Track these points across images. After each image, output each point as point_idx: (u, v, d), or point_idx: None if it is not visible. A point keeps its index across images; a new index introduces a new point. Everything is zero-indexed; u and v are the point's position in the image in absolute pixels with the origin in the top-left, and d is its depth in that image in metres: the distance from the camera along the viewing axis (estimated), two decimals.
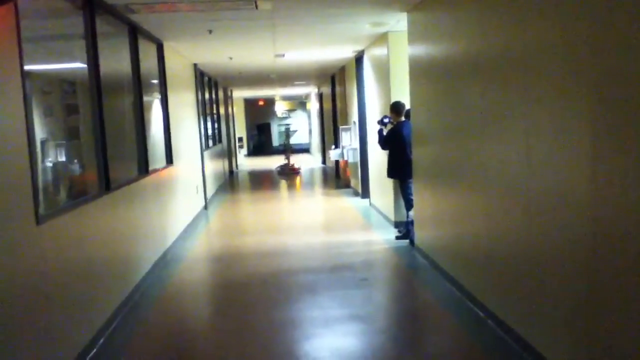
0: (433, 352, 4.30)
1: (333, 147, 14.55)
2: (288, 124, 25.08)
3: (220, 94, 16.36)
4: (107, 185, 5.04)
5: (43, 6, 4.41)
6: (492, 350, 4.11)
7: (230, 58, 10.40)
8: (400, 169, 7.33)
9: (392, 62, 7.94)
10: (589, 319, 3.10)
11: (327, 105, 17.02)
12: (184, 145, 9.15)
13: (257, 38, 8.25)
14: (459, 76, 5.03)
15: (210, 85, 13.68)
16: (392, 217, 8.33)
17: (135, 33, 6.44)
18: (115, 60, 5.99)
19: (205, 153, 11.61)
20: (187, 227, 8.72)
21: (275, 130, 31.62)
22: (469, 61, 4.75)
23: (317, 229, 9.38)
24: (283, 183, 16.10)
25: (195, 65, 10.85)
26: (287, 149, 20.06)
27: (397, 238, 7.52)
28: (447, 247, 5.71)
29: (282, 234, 8.78)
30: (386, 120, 7.57)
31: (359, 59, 10.54)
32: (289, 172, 18.23)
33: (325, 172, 18.12)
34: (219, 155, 15.13)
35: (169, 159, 7.99)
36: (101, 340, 4.45)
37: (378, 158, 8.88)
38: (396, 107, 7.45)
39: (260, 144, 30.94)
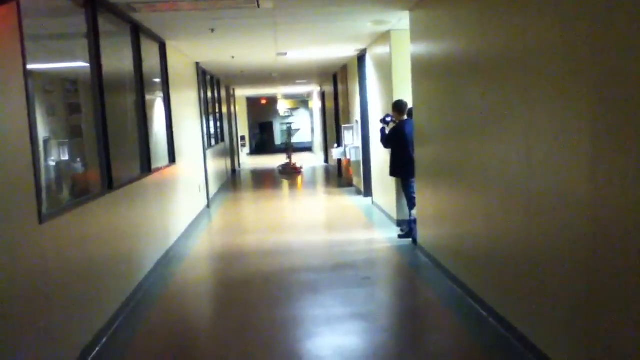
0: (435, 350, 4.30)
1: (335, 145, 14.55)
2: (290, 123, 25.01)
3: (223, 92, 16.37)
4: (109, 184, 5.06)
5: (45, 5, 4.42)
6: (494, 348, 4.12)
7: (233, 57, 10.41)
8: (402, 168, 7.33)
9: (394, 60, 7.94)
10: (589, 318, 3.11)
11: (330, 104, 17.02)
12: (186, 144, 9.16)
13: (259, 37, 8.26)
14: (460, 75, 5.03)
15: (212, 84, 13.69)
16: (394, 215, 8.34)
17: (137, 32, 6.45)
18: (117, 59, 6.00)
19: (208, 152, 11.62)
20: (190, 226, 8.74)
21: (278, 129, 31.61)
22: (470, 60, 4.75)
23: (319, 227, 9.38)
24: (285, 182, 16.10)
25: (197, 64, 10.86)
26: (288, 148, 19.94)
27: (400, 237, 7.52)
28: (449, 246, 5.71)
29: (284, 232, 8.79)
30: (388, 119, 7.58)
31: (361, 58, 10.53)
32: (290, 172, 18.03)
33: (327, 171, 18.12)
34: (222, 154, 15.14)
35: (172, 158, 8.00)
36: (103, 340, 4.46)
37: (380, 157, 8.89)
38: (398, 106, 7.45)
39: (262, 143, 30.94)
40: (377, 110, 9.09)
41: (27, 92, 3.49)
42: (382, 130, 7.67)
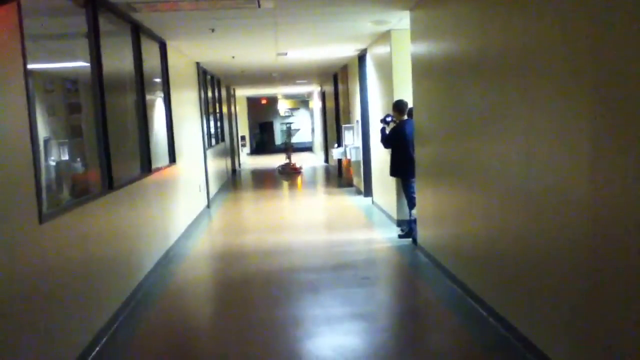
0: (435, 350, 4.31)
1: (336, 145, 14.55)
2: (289, 123, 24.91)
3: (223, 92, 16.37)
4: (110, 183, 5.06)
5: (46, 5, 4.42)
6: (494, 348, 4.12)
7: (233, 57, 10.42)
8: (402, 168, 7.33)
9: (394, 60, 7.94)
10: (589, 318, 3.11)
11: (330, 104, 17.02)
12: (186, 144, 9.16)
13: (259, 36, 8.26)
14: (460, 75, 5.03)
15: (212, 84, 13.69)
16: (394, 215, 8.34)
17: (137, 32, 6.45)
18: (118, 59, 6.01)
19: (208, 151, 11.63)
20: (190, 226, 8.74)
21: (278, 129, 31.62)
22: (470, 60, 4.75)
23: (319, 227, 9.38)
24: (285, 182, 16.09)
25: (197, 64, 10.86)
26: (288, 148, 19.78)
27: (400, 237, 7.52)
28: (449, 246, 5.72)
29: (285, 232, 8.79)
30: (389, 118, 7.58)
31: (361, 58, 10.54)
32: (290, 172, 17.83)
33: (327, 171, 18.12)
34: (222, 154, 15.14)
35: (172, 158, 8.00)
36: (103, 339, 4.46)
37: (381, 156, 8.89)
38: (399, 106, 7.45)
39: (262, 143, 30.95)
40: (378, 110, 9.10)
41: (28, 92, 3.49)
42: (383, 130, 7.68)
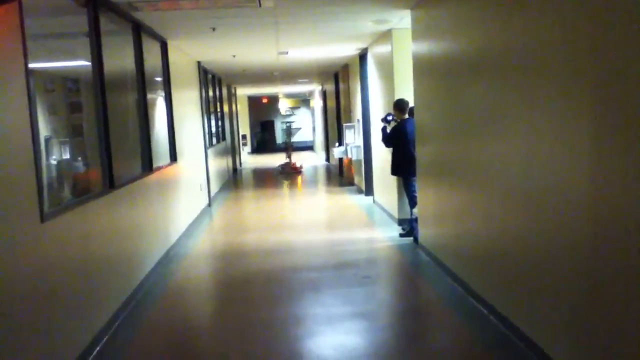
0: (436, 348, 4.31)
1: (337, 144, 14.55)
2: (290, 122, 24.79)
3: (224, 91, 16.37)
4: (111, 182, 5.06)
5: (47, 4, 4.42)
6: (495, 347, 4.12)
7: (234, 56, 10.42)
8: (404, 167, 7.33)
9: (395, 59, 7.94)
10: (590, 317, 3.11)
11: (331, 103, 17.01)
12: (187, 143, 9.17)
13: (260, 36, 8.26)
14: (461, 74, 5.03)
15: (213, 83, 13.69)
16: (395, 214, 8.34)
17: (139, 31, 6.45)
18: (119, 58, 6.01)
19: (209, 150, 11.63)
20: (191, 225, 8.75)
21: (279, 128, 31.62)
22: (471, 59, 4.75)
23: (320, 226, 9.39)
24: (286, 181, 16.08)
25: (198, 63, 10.86)
26: (288, 147, 19.55)
27: (401, 235, 7.53)
28: (450, 245, 5.72)
29: (286, 231, 8.79)
30: (390, 117, 7.58)
31: (362, 57, 10.53)
32: (290, 172, 17.54)
33: (328, 170, 18.11)
34: (223, 153, 15.15)
35: (173, 157, 8.01)
36: (104, 338, 4.47)
37: (382, 155, 8.89)
38: (400, 105, 7.45)
39: (263, 142, 30.95)
40: (379, 109, 9.09)
41: (29, 91, 3.50)
42: (384, 129, 7.67)
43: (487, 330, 4.39)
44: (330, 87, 17.15)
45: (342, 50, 10.45)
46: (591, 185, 2.99)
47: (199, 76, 10.95)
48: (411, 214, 7.41)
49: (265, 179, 17.55)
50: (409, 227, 7.48)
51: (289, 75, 15.70)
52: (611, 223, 2.86)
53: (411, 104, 7.15)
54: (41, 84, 4.34)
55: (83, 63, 4.91)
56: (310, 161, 21.71)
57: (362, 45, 9.90)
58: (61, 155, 4.59)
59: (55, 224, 3.76)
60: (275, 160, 21.31)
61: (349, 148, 12.01)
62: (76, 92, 5.31)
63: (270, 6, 6.02)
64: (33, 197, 3.47)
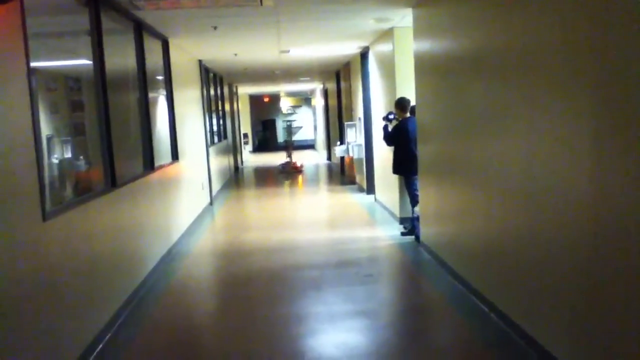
0: (437, 346, 4.31)
1: (338, 143, 14.54)
2: (290, 120, 24.66)
3: (226, 90, 16.38)
4: (112, 181, 5.07)
5: (48, 3, 4.43)
6: (496, 344, 4.12)
7: (235, 54, 10.42)
8: (405, 165, 7.33)
9: (397, 58, 7.93)
10: (590, 316, 3.11)
11: (332, 102, 17.01)
12: (189, 142, 9.17)
13: (261, 34, 8.26)
14: (462, 73, 5.03)
15: (215, 82, 13.70)
16: (397, 213, 8.34)
17: (140, 30, 6.46)
18: (120, 57, 6.01)
19: (211, 149, 11.63)
20: (193, 223, 8.76)
21: (281, 127, 31.61)
22: (472, 58, 4.75)
23: (322, 225, 9.39)
24: (287, 180, 16.08)
25: (200, 61, 10.87)
26: (288, 146, 19.34)
27: (403, 234, 7.53)
28: (451, 243, 5.72)
29: (287, 229, 8.79)
30: (391, 116, 7.58)
31: (364, 55, 10.53)
32: (290, 171, 17.30)
33: (330, 169, 18.11)
34: (224, 152, 15.15)
35: (175, 155, 8.01)
36: (107, 337, 4.48)
37: (383, 154, 8.89)
38: (401, 103, 7.45)
39: (265, 140, 30.96)
40: (380, 107, 9.09)
41: (31, 90, 3.50)
42: (385, 127, 7.67)
43: (488, 328, 4.39)
44: (331, 86, 17.15)
45: (343, 48, 10.45)
46: (591, 185, 2.99)
47: (201, 75, 10.95)
48: (412, 212, 7.41)
49: (266, 177, 17.55)
50: (410, 225, 7.48)
51: (290, 73, 15.70)
52: (611, 223, 2.86)
53: (413, 102, 7.15)
54: (43, 83, 4.35)
55: (85, 62, 4.91)
56: (312, 160, 21.71)
57: (364, 44, 9.90)
58: (63, 154, 4.60)
59: (57, 223, 3.76)
60: (277, 159, 21.29)
61: (350, 147, 12.01)
62: (78, 91, 5.31)
63: (271, 5, 6.02)
64: (35, 195, 3.48)
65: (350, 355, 4.04)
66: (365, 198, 10.97)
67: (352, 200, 11.14)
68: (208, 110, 11.74)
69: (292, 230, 8.70)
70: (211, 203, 11.08)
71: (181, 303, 5.50)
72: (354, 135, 12.09)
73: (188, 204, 8.65)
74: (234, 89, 19.80)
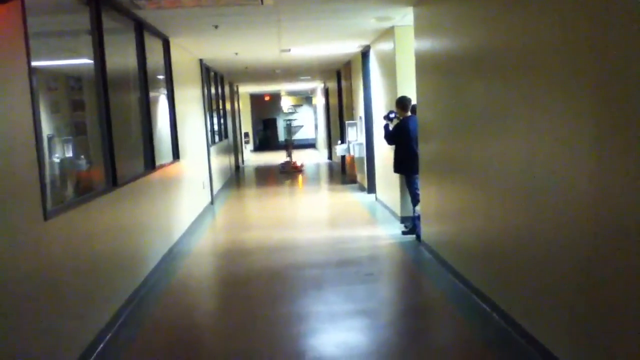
0: (438, 345, 4.31)
1: (339, 142, 14.54)
2: (290, 119, 24.56)
3: (226, 89, 16.38)
4: (114, 180, 5.07)
5: (49, 2, 4.43)
6: (497, 343, 4.12)
7: (236, 53, 10.42)
8: (406, 164, 7.33)
9: (398, 56, 7.93)
10: (589, 316, 3.11)
11: (333, 101, 17.01)
12: (190, 141, 9.17)
13: (262, 33, 8.26)
14: (463, 72, 5.03)
15: (216, 81, 13.70)
16: (398, 212, 8.34)
17: (141, 29, 6.46)
18: (121, 56, 6.02)
19: (212, 148, 11.64)
20: (194, 223, 8.76)
21: (281, 126, 31.62)
22: (473, 57, 4.75)
23: (322, 224, 9.39)
24: (288, 180, 16.07)
25: (201, 60, 10.87)
26: (288, 145, 19.13)
27: (404, 233, 7.53)
28: (452, 242, 5.72)
29: (288, 229, 8.80)
30: (392, 115, 7.58)
31: (364, 54, 10.53)
32: (290, 170, 17.05)
33: (331, 168, 18.11)
34: (225, 151, 15.16)
35: (176, 155, 8.02)
36: (108, 335, 4.48)
37: (384, 153, 8.89)
38: (402, 102, 7.44)
39: (266, 139, 30.97)
40: (381, 106, 9.09)
41: (32, 89, 3.51)
42: (386, 126, 7.67)
43: (488, 327, 4.39)
44: (332, 85, 17.14)
45: (344, 47, 10.45)
46: (591, 185, 2.99)
47: (201, 74, 10.95)
48: (413, 211, 7.41)
49: (267, 176, 17.55)
50: (411, 224, 7.48)
51: (291, 72, 15.70)
52: (611, 223, 2.86)
53: (414, 101, 7.15)
54: (44, 82, 4.35)
55: (85, 61, 4.92)
56: (313, 159, 21.71)
57: (365, 43, 9.90)
58: (64, 153, 4.60)
59: (58, 222, 3.77)
60: (278, 158, 21.28)
61: (351, 146, 12.00)
62: (79, 90, 5.32)
63: (272, 4, 6.02)
64: (36, 195, 3.48)
65: (350, 355, 4.05)
66: (366, 197, 10.97)
67: (353, 199, 11.14)
68: (209, 109, 11.75)
69: (292, 230, 8.71)
70: (212, 202, 11.09)
71: (182, 302, 5.50)
72: (355, 134, 12.08)
73: (189, 203, 8.65)
74: (235, 88, 19.80)
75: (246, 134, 24.33)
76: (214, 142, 12.35)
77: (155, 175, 6.69)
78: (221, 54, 10.50)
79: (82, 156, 5.12)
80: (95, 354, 4.17)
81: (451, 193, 5.68)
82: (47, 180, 3.81)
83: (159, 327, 4.85)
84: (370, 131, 10.48)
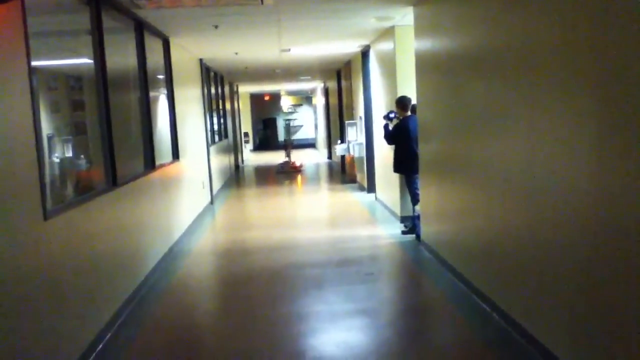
0: (438, 345, 4.31)
1: (339, 142, 14.54)
2: (289, 120, 24.45)
3: (226, 89, 16.37)
4: (114, 180, 5.07)
5: (49, 2, 4.43)
6: (497, 343, 4.12)
7: (236, 53, 10.42)
8: (406, 164, 7.33)
9: (398, 56, 7.93)
10: (589, 316, 3.11)
11: (333, 100, 17.00)
12: (190, 141, 9.17)
13: (262, 33, 8.26)
14: (463, 72, 5.03)
15: (216, 81, 13.70)
16: (398, 211, 8.34)
17: (141, 29, 6.46)
18: (121, 56, 6.02)
19: (211, 148, 11.64)
20: (194, 222, 8.76)
21: (281, 125, 31.61)
22: (473, 57, 4.75)
23: (322, 223, 9.40)
24: (287, 180, 16.06)
25: (201, 60, 10.87)
26: (287, 145, 18.95)
27: (404, 233, 7.53)
28: (452, 242, 5.72)
29: (288, 228, 8.80)
30: (392, 115, 7.58)
31: (364, 54, 10.53)
32: (289, 171, 16.81)
33: (331, 167, 18.10)
34: (225, 151, 15.15)
35: (175, 155, 8.02)
36: (108, 335, 4.48)
37: (384, 153, 8.89)
38: (402, 102, 7.44)
39: (266, 139, 30.97)
40: (381, 106, 9.09)
41: (32, 89, 3.51)
42: (386, 126, 7.67)
43: (488, 326, 4.39)
44: (332, 85, 17.14)
45: (344, 47, 10.45)
46: (591, 185, 2.99)
47: (201, 74, 10.95)
48: (413, 211, 7.41)
49: (267, 176, 17.54)
50: (411, 224, 7.48)
51: (291, 72, 15.70)
52: (611, 223, 2.86)
53: (414, 101, 7.15)
54: (44, 82, 4.35)
55: (85, 61, 4.92)
56: (313, 159, 21.71)
57: (365, 42, 9.90)
58: (64, 153, 4.60)
59: (58, 222, 3.77)
60: (278, 157, 21.26)
61: (351, 145, 12.00)
62: (79, 90, 5.32)
63: (272, 3, 6.02)
64: (36, 195, 3.48)
65: (351, 354, 4.05)
66: (366, 197, 10.98)
67: (353, 198, 11.14)
68: (209, 109, 11.75)
69: (293, 229, 8.71)
70: (212, 202, 11.09)
71: (182, 302, 5.51)
72: (355, 134, 12.08)
73: (189, 202, 8.66)
74: (235, 88, 19.80)
75: (246, 134, 24.33)
76: (213, 141, 12.35)
77: (155, 175, 6.69)
78: (221, 53, 10.50)
79: (82, 156, 5.12)
80: (95, 354, 4.17)
81: (451, 193, 5.68)
82: (47, 180, 3.81)
83: (159, 326, 4.85)
84: (370, 131, 10.48)
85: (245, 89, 23.79)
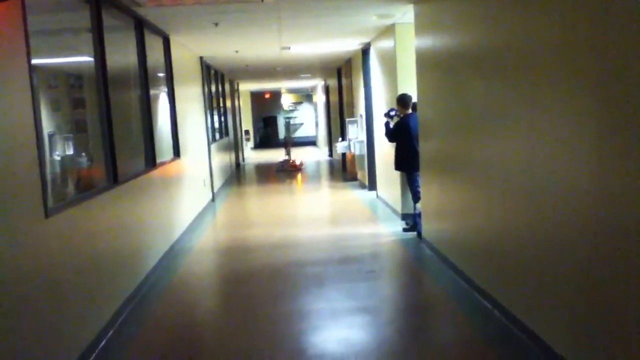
0: (439, 342, 4.32)
1: (340, 139, 14.54)
2: (290, 117, 24.33)
3: (227, 87, 16.37)
4: (114, 178, 5.07)
5: (49, 0, 4.42)
6: (498, 340, 4.13)
7: (237, 51, 10.41)
8: (407, 162, 7.33)
9: (399, 54, 7.92)
10: (589, 314, 3.11)
11: (334, 98, 16.99)
12: (190, 139, 9.17)
13: (263, 31, 8.25)
14: (463, 70, 5.03)
15: (216, 79, 13.69)
16: (399, 209, 8.34)
17: (141, 26, 6.45)
18: (121, 54, 6.01)
19: (212, 146, 11.64)
20: (195, 220, 8.76)
21: (282, 123, 31.62)
22: (473, 56, 4.75)
23: (323, 221, 9.40)
24: (288, 178, 16.05)
25: (201, 58, 10.86)
26: (287, 143, 18.80)
27: (405, 230, 7.53)
28: (453, 239, 5.72)
29: (289, 226, 8.80)
30: (393, 112, 7.57)
31: (365, 51, 10.52)
32: (289, 169, 16.63)
33: (332, 165, 18.10)
34: (226, 148, 15.16)
35: (176, 152, 8.02)
36: (109, 334, 4.48)
37: (385, 150, 8.88)
38: (403, 100, 7.44)
39: (266, 137, 30.97)
40: (382, 104, 9.08)
41: (32, 87, 3.51)
42: (387, 124, 7.66)
43: (490, 323, 4.39)
44: (333, 82, 17.13)
45: (345, 45, 10.44)
46: (591, 184, 2.99)
47: (202, 72, 10.95)
48: (414, 208, 7.41)
49: (268, 174, 17.52)
50: (412, 222, 7.48)
51: (291, 70, 15.69)
52: (611, 223, 2.86)
53: (414, 99, 7.14)
54: (44, 80, 4.35)
55: (86, 59, 4.91)
56: (313, 156, 21.71)
57: (365, 40, 9.89)
58: (65, 151, 4.60)
59: (60, 220, 3.77)
60: (278, 155, 21.22)
61: (352, 143, 12.00)
62: (79, 88, 5.32)
63: (272, 1, 6.01)
64: (37, 192, 3.49)
65: (352, 352, 4.05)
66: (367, 194, 10.98)
67: (354, 196, 11.14)
68: (209, 107, 11.75)
69: (294, 227, 8.71)
70: (213, 200, 11.09)
71: (183, 300, 5.51)
72: (356, 132, 12.08)
73: (190, 200, 8.66)
74: (235, 86, 19.79)
75: (247, 132, 24.33)
76: (214, 139, 12.35)
77: (156, 172, 6.69)
78: (221, 51, 10.49)
79: (83, 154, 5.12)
80: (96, 352, 4.18)
81: (452, 191, 5.68)
82: (48, 178, 3.81)
83: (160, 324, 4.86)
84: (370, 129, 10.47)
85: (246, 87, 23.78)
